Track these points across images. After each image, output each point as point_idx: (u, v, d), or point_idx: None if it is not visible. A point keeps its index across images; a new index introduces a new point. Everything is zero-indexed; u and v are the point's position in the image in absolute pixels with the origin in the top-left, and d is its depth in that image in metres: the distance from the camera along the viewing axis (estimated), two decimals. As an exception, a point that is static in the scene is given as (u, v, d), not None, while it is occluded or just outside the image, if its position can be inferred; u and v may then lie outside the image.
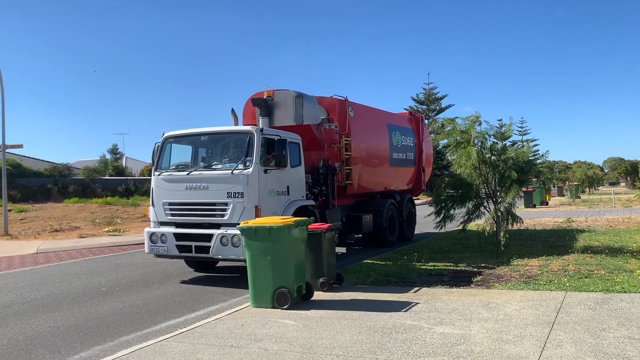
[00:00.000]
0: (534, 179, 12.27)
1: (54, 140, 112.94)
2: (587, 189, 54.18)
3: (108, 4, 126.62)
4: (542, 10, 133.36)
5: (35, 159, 46.45)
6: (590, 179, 53.48)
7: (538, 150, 12.31)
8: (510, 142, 12.21)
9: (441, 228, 12.33)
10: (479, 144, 11.38)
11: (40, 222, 22.69)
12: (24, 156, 43.37)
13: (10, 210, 23.08)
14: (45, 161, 45.79)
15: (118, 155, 53.21)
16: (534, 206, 30.52)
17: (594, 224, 18.26)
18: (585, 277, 8.59)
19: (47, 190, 33.81)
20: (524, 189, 17.01)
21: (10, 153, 31.56)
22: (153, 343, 6.01)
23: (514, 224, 11.50)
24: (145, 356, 5.55)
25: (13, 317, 7.72)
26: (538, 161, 11.57)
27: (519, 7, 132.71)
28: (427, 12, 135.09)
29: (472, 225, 12.40)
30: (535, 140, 76.01)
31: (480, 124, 11.43)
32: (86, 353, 6.01)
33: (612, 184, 47.33)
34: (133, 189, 38.28)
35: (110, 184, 38.20)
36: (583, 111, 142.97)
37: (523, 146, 11.64)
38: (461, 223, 12.21)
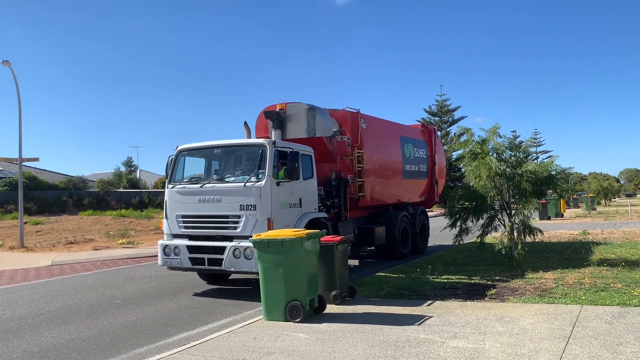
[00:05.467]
0: (549, 191, 12.17)
1: (69, 154, 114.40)
2: (603, 201, 53.55)
3: (120, 16, 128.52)
4: (556, 22, 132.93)
5: (50, 171, 47.04)
6: (605, 190, 52.89)
7: (554, 162, 12.07)
8: (523, 154, 12.10)
9: (459, 242, 12.26)
10: (495, 155, 11.34)
11: (55, 235, 22.92)
12: (40, 169, 43.98)
13: (26, 223, 23.34)
14: (60, 174, 46.33)
15: (132, 168, 53.69)
16: (549, 218, 30.20)
17: (610, 236, 18.04)
18: (602, 291, 8.47)
19: (62, 202, 34.18)
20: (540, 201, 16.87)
21: (27, 166, 32.04)
22: (166, 356, 6.02)
23: (532, 236, 11.37)
24: (158, 369, 5.56)
25: (28, 329, 7.79)
26: (553, 172, 11.43)
27: (531, 20, 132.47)
28: (438, 24, 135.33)
29: (488, 238, 12.32)
30: (549, 151, 75.42)
31: (499, 136, 11.43)
32: (100, 365, 6.04)
33: (629, 196, 46.65)
34: (147, 201, 38.55)
35: (125, 197, 38.52)
36: (598, 122, 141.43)
37: (536, 157, 11.56)
38: (478, 236, 12.13)
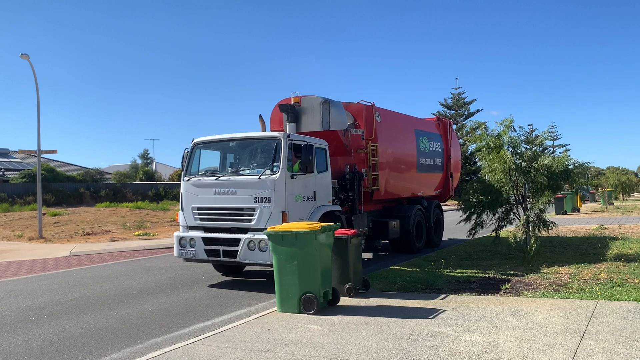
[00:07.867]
0: (566, 185, 12.08)
1: (86, 146, 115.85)
2: (621, 196, 52.85)
3: (134, 12, 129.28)
4: (575, 13, 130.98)
5: (68, 164, 47.71)
6: (623, 184, 52.16)
7: (570, 156, 12.07)
8: (540, 147, 12.02)
9: (473, 235, 12.21)
10: (510, 149, 11.27)
11: (73, 226, 23.24)
12: (58, 161, 44.64)
13: (44, 214, 23.71)
14: (78, 166, 46.99)
15: (148, 161, 54.28)
16: (565, 213, 29.90)
17: (628, 231, 17.82)
18: (618, 286, 8.40)
19: (79, 194, 34.65)
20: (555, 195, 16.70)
21: (45, 158, 32.47)
22: (182, 346, 6.10)
23: (546, 230, 11.31)
24: (174, 359, 5.64)
25: (47, 318, 7.94)
26: (569, 167, 11.36)
27: (548, 10, 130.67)
28: (454, 16, 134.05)
29: (502, 232, 12.26)
30: (566, 145, 74.57)
31: (514, 129, 11.37)
32: (117, 355, 6.13)
33: (647, 191, 46.18)
34: (163, 193, 38.93)
35: (141, 189, 38.92)
36: (616, 115, 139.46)
37: (553, 151, 11.51)
38: (493, 230, 12.07)
